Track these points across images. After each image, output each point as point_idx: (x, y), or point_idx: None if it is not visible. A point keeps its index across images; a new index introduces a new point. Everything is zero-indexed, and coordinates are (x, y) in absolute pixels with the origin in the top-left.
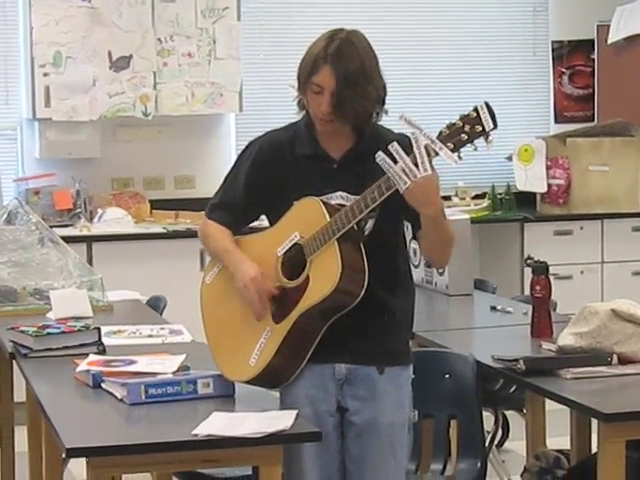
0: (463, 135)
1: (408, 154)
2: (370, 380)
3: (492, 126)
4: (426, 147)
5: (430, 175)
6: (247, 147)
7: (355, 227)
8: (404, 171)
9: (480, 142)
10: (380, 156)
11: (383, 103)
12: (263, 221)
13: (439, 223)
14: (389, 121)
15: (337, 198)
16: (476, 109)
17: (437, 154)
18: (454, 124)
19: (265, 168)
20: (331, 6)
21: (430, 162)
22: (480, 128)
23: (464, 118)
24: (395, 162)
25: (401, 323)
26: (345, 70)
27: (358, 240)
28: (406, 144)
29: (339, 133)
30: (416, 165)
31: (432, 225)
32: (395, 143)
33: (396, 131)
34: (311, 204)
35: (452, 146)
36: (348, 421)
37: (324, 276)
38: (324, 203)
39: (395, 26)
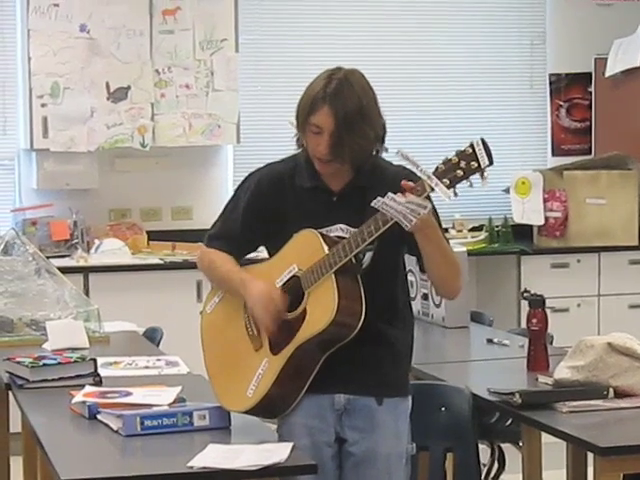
0: (459, 171)
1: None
2: (369, 411)
3: (487, 162)
4: (422, 183)
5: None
6: (246, 179)
7: (353, 260)
8: (406, 211)
9: (475, 178)
10: (379, 201)
11: (383, 141)
12: (261, 252)
13: (438, 240)
14: (386, 155)
15: (337, 230)
16: (472, 145)
17: (433, 190)
18: (450, 160)
19: (264, 200)
20: (329, 39)
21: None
22: (476, 164)
23: (460, 154)
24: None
25: (400, 354)
26: (343, 110)
27: (356, 273)
28: (405, 176)
29: (339, 168)
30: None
31: (430, 242)
32: (390, 194)
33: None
34: (309, 236)
35: (448, 182)
36: (346, 451)
37: (321, 309)
38: (322, 235)
39: (392, 59)
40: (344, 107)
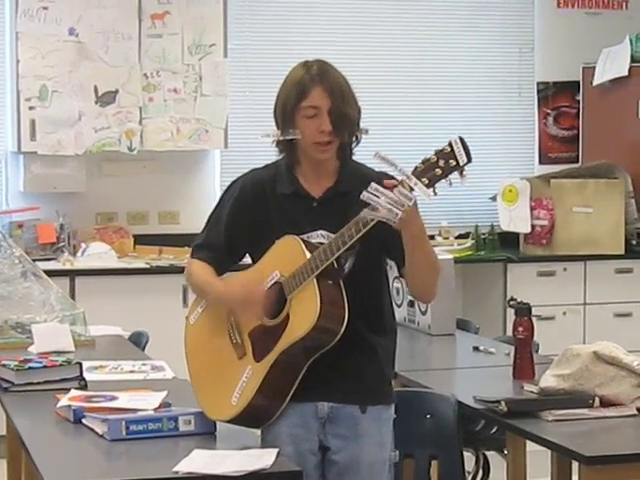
0: (437, 170)
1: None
2: (352, 419)
3: (466, 160)
4: (402, 182)
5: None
6: (229, 187)
7: (335, 265)
8: (391, 205)
9: (455, 177)
10: (365, 195)
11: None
12: (247, 259)
13: (423, 242)
14: (367, 159)
15: (318, 237)
16: (450, 144)
17: (412, 189)
18: (429, 159)
19: (247, 208)
20: (318, 45)
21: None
22: (454, 162)
23: (439, 153)
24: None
25: (383, 361)
26: (336, 85)
27: (337, 277)
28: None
29: (321, 170)
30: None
31: (416, 244)
32: (373, 183)
33: (375, 169)
34: (290, 242)
35: (427, 181)
36: (330, 460)
37: (303, 314)
38: (304, 241)
39: (380, 65)
40: (334, 82)
